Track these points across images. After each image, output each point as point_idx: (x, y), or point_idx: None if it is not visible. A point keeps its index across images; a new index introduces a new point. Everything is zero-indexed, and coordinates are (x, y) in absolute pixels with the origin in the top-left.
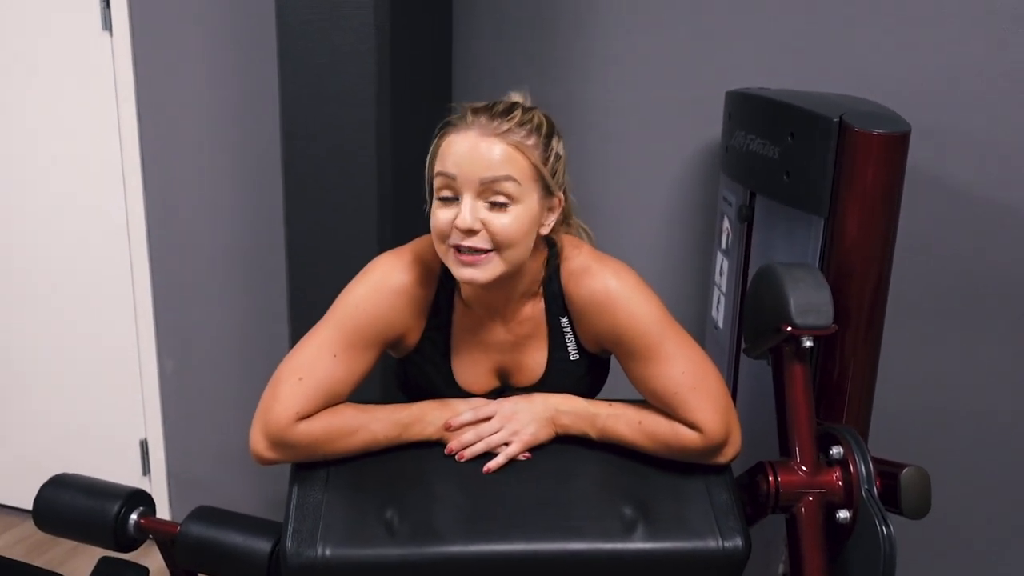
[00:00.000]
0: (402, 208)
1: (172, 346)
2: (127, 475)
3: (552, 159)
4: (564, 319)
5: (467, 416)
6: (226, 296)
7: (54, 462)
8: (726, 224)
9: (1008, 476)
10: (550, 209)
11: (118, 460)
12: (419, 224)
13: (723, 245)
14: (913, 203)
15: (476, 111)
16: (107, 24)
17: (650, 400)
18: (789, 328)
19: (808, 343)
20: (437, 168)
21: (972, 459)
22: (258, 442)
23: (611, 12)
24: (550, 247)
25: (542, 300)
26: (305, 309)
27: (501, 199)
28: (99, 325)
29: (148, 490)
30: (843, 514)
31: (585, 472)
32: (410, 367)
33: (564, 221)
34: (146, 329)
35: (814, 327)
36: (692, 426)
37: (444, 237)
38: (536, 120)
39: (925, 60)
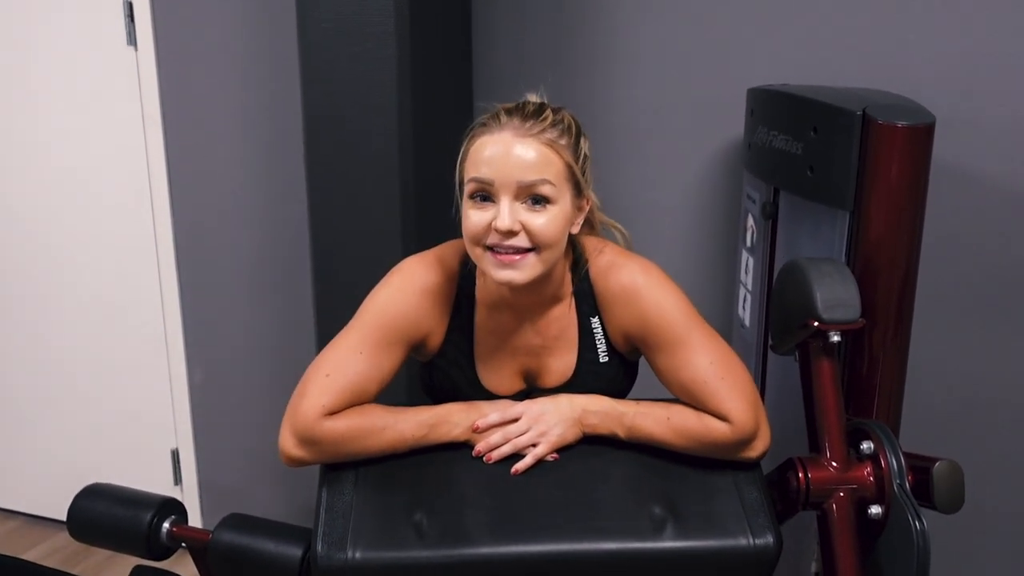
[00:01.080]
0: (427, 214)
1: (201, 357)
2: (159, 485)
3: (582, 159)
4: (595, 319)
5: (494, 417)
6: (253, 306)
7: (87, 473)
8: (750, 221)
9: None
10: (579, 209)
11: (150, 470)
12: (445, 229)
13: (748, 243)
14: (939, 196)
15: (509, 112)
16: (132, 39)
17: (678, 393)
18: (816, 323)
19: (836, 338)
20: (470, 172)
21: (1005, 452)
22: (286, 440)
23: (631, 10)
24: (574, 250)
25: (573, 301)
26: (331, 318)
27: (537, 200)
28: (129, 337)
29: (180, 499)
30: (875, 510)
31: (613, 472)
32: (435, 371)
33: (588, 221)
34: (175, 340)
35: (842, 321)
36: (722, 417)
37: (479, 239)
38: (566, 120)
39: (947, 51)
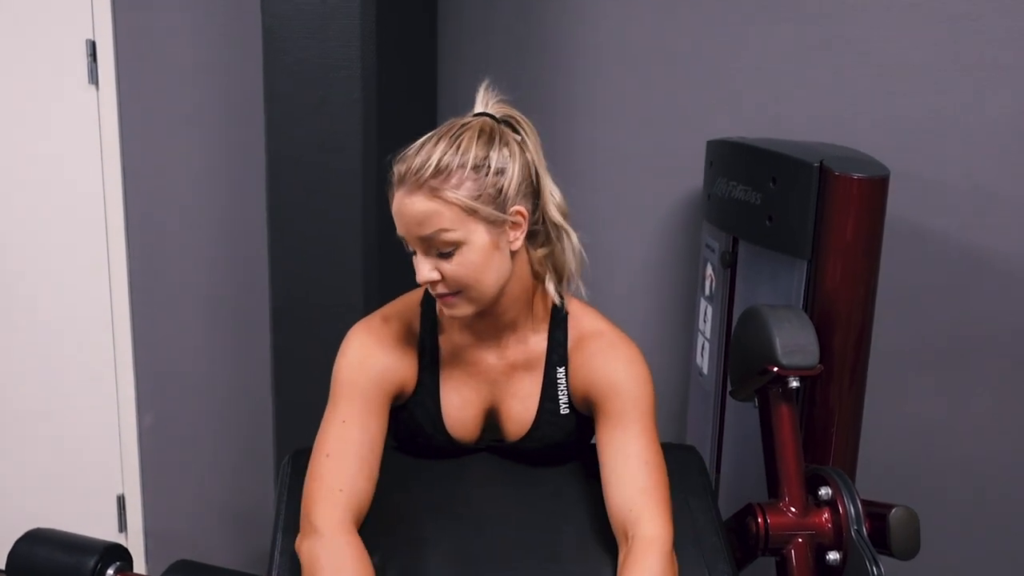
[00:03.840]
0: (390, 259)
1: (152, 400)
2: (103, 531)
3: (490, 180)
4: (561, 369)
5: None
6: (208, 349)
7: (28, 517)
8: (709, 270)
9: (993, 520)
10: (514, 226)
11: (94, 516)
12: (407, 272)
13: (707, 291)
14: (893, 250)
15: (399, 162)
16: (93, 78)
17: (610, 470)
18: (775, 368)
19: (795, 383)
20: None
21: (958, 501)
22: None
23: (593, 63)
24: (556, 291)
25: (545, 340)
26: (288, 365)
27: (443, 250)
28: (78, 378)
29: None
30: (833, 555)
31: (575, 515)
32: (402, 412)
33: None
34: (126, 382)
35: (800, 367)
36: (649, 520)
37: (424, 286)
38: (462, 147)
39: (902, 110)
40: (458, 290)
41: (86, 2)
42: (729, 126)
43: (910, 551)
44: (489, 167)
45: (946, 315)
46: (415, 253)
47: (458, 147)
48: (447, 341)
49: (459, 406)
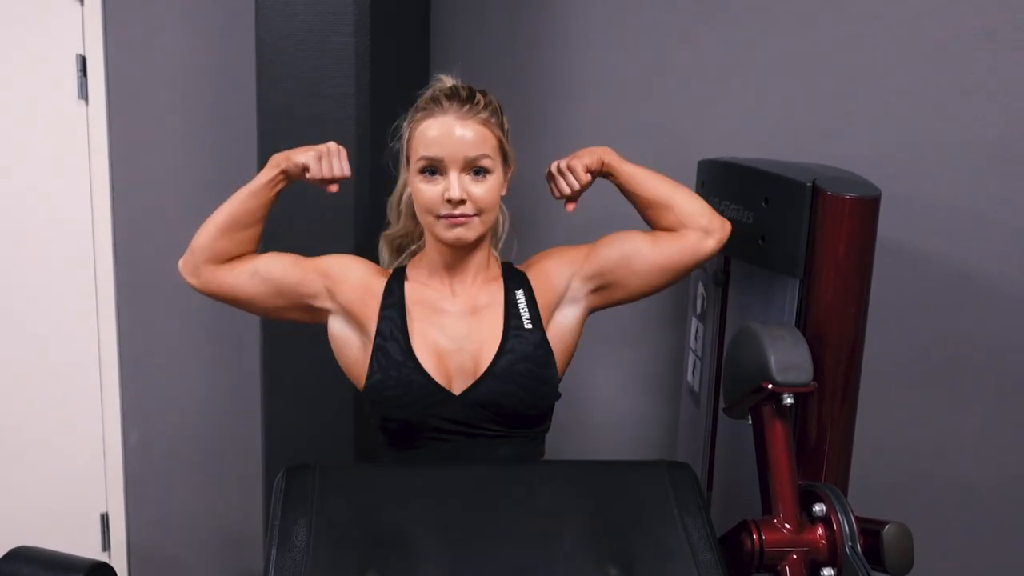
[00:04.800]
0: None
1: (138, 416)
2: (86, 549)
3: (507, 134)
4: (519, 292)
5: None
6: (196, 367)
7: (11, 535)
8: (700, 289)
9: (985, 536)
10: (506, 176)
11: (77, 534)
12: None
13: (698, 310)
14: (884, 271)
15: (448, 97)
16: (83, 93)
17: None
18: (770, 386)
19: (789, 400)
20: (419, 151)
21: (950, 518)
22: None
23: (584, 84)
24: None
25: (501, 279)
26: (279, 382)
27: (478, 172)
28: (63, 394)
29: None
30: (827, 572)
31: (569, 532)
32: (375, 352)
33: None
34: (111, 398)
35: (794, 384)
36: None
37: (432, 208)
38: (493, 102)
39: (892, 133)
40: (478, 212)
41: (77, 17)
42: (720, 146)
43: (904, 567)
44: (505, 124)
45: (934, 334)
46: (434, 174)
47: (492, 100)
48: (412, 289)
49: (426, 337)
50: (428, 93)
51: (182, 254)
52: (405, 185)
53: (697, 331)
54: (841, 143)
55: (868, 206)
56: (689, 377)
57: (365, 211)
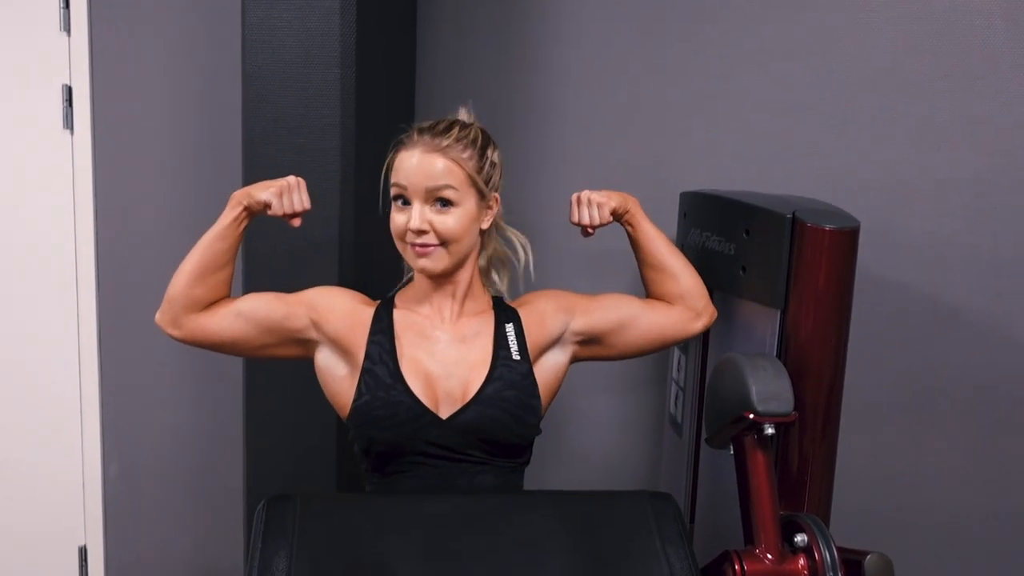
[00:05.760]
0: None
1: (118, 448)
2: None
3: (487, 167)
4: (509, 325)
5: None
6: (177, 397)
7: None
8: None
9: (967, 565)
10: (488, 208)
11: (55, 568)
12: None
13: None
14: (863, 302)
15: (421, 131)
16: (69, 123)
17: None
18: (751, 416)
19: (770, 430)
20: (392, 179)
21: (929, 546)
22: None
23: (568, 116)
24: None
25: (492, 312)
26: (261, 413)
27: (443, 203)
28: (42, 425)
29: None
30: None
31: (551, 562)
32: (363, 376)
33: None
34: (91, 430)
35: (776, 414)
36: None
37: (401, 236)
38: (472, 135)
39: (871, 167)
40: (442, 242)
41: (63, 47)
42: (702, 178)
43: None
44: (487, 157)
45: (912, 365)
46: (405, 203)
47: (469, 133)
48: (401, 316)
49: (415, 361)
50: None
51: (166, 284)
52: None
53: (680, 362)
54: (820, 176)
55: (847, 237)
56: (672, 408)
57: (349, 237)
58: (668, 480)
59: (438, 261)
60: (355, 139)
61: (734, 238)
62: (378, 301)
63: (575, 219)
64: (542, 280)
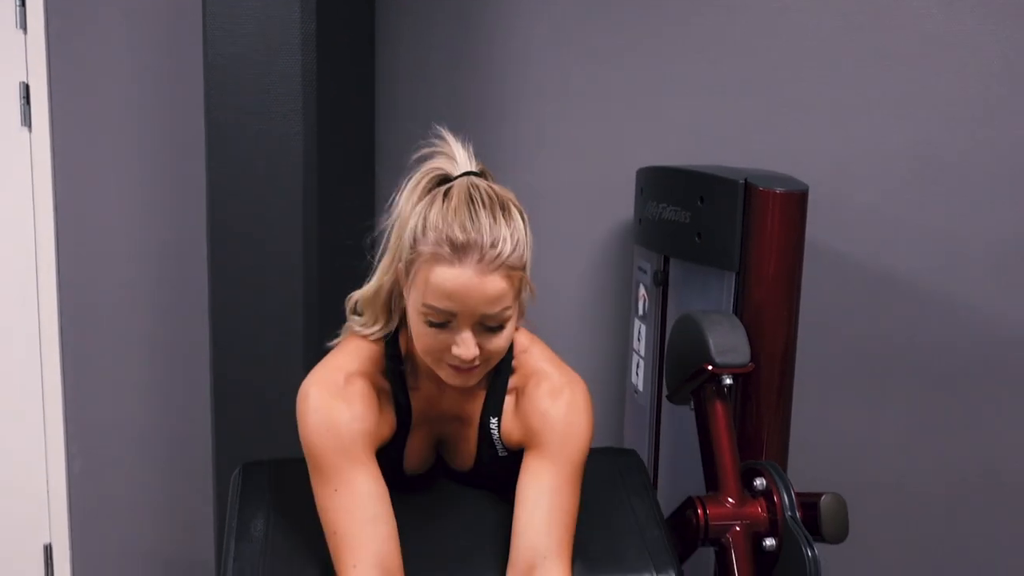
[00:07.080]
0: (328, 289)
1: (82, 444)
2: None
3: (528, 255)
4: (494, 420)
5: None
6: (142, 393)
7: None
8: (642, 291)
9: (915, 509)
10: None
11: (19, 567)
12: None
13: (640, 312)
14: (812, 274)
15: (466, 247)
16: (26, 120)
17: (523, 509)
18: (710, 367)
19: (728, 381)
20: (428, 299)
21: (879, 491)
22: None
23: (526, 101)
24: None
25: (484, 391)
26: (229, 412)
27: (495, 325)
28: (4, 423)
29: None
30: (769, 542)
31: (492, 535)
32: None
33: None
34: (54, 425)
35: (733, 365)
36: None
37: (435, 355)
38: (517, 229)
39: (818, 142)
40: (486, 360)
41: (20, 44)
42: (657, 157)
43: (839, 535)
44: (526, 241)
45: (859, 331)
46: (444, 325)
47: (509, 221)
48: (417, 399)
49: (417, 449)
50: (440, 221)
51: (130, 279)
52: (391, 288)
53: (640, 332)
54: (769, 153)
55: (797, 199)
56: (633, 378)
57: (314, 232)
58: (631, 444)
59: (478, 376)
60: (316, 124)
61: (689, 207)
62: (373, 371)
63: None
64: None
